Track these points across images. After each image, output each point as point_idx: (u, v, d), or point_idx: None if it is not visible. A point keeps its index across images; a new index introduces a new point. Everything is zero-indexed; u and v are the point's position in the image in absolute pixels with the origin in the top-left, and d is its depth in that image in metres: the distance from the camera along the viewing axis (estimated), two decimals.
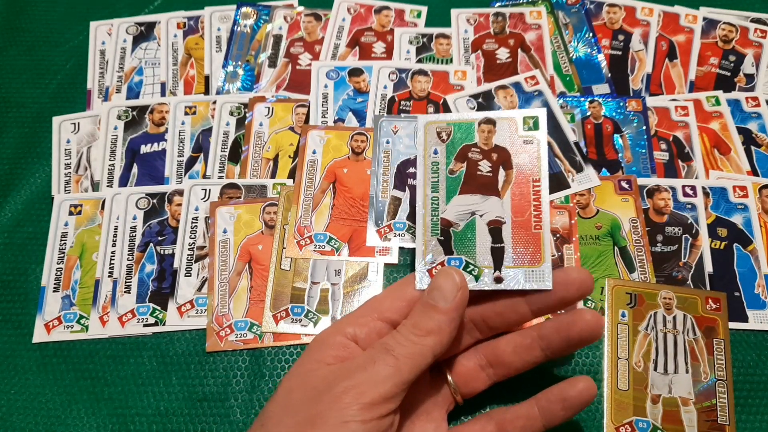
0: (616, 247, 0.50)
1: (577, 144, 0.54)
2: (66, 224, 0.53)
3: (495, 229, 0.41)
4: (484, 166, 0.43)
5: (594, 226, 0.51)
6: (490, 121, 0.43)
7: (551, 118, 0.56)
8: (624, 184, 0.53)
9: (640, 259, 0.50)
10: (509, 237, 0.41)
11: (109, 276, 0.51)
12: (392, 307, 0.38)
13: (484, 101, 0.57)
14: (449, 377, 0.39)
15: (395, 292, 0.39)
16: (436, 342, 0.35)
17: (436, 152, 0.43)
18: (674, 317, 0.45)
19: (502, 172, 0.42)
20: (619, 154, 0.55)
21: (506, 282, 0.40)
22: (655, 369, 0.44)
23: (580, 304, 0.47)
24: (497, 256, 0.41)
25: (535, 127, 0.43)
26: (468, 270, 0.41)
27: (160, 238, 0.52)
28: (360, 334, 0.36)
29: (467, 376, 0.39)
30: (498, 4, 0.63)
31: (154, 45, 0.62)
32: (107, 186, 0.55)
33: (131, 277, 0.51)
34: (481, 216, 0.42)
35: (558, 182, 0.53)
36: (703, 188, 0.53)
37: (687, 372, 0.44)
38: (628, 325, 0.45)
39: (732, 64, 0.59)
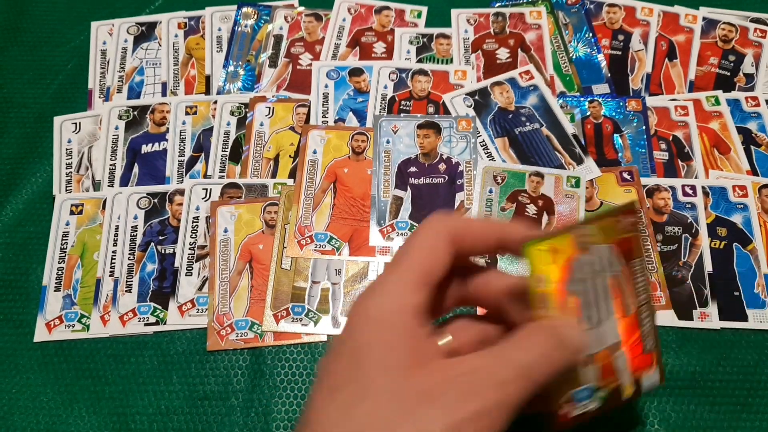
0: None
1: (575, 136, 0.54)
2: (67, 224, 0.53)
3: None
4: (531, 209, 0.51)
5: None
6: (539, 174, 0.52)
7: (549, 112, 0.56)
8: (626, 175, 0.53)
9: (645, 248, 0.50)
10: None
11: (110, 275, 0.51)
12: None
13: (481, 98, 0.57)
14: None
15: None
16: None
17: (491, 191, 0.51)
18: (593, 256, 0.35)
19: (545, 217, 0.51)
20: (619, 154, 0.55)
21: None
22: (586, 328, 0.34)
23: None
24: None
25: (577, 185, 0.51)
26: None
27: (161, 238, 0.52)
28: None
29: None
30: (498, 4, 0.63)
31: (155, 45, 0.62)
32: (108, 186, 0.55)
33: (132, 276, 0.51)
34: None
35: None
36: (703, 188, 0.53)
37: (612, 314, 0.35)
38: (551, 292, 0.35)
39: (732, 64, 0.59)
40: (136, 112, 0.58)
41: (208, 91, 0.59)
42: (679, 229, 0.51)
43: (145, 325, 0.49)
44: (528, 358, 0.29)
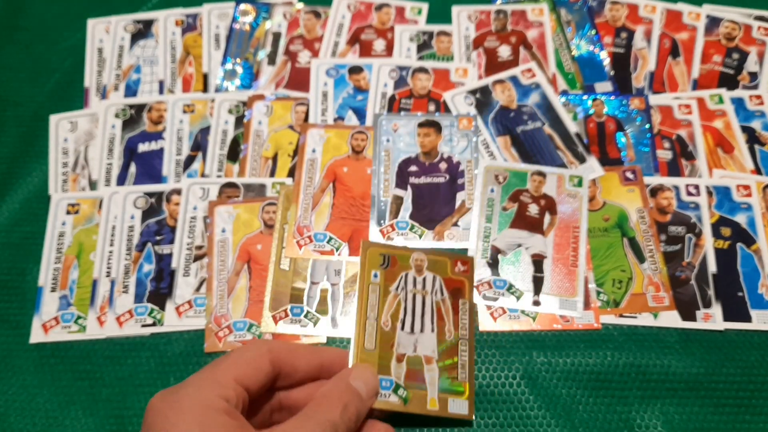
0: (625, 239, 0.50)
1: (578, 135, 0.54)
2: (63, 224, 0.52)
3: (537, 261, 0.49)
4: (533, 209, 0.51)
5: (602, 219, 0.51)
6: (541, 174, 0.52)
7: (551, 110, 0.55)
8: (629, 175, 0.52)
9: (649, 248, 0.49)
10: (549, 270, 0.48)
11: (106, 276, 0.50)
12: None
13: (482, 96, 0.56)
14: None
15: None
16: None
17: (492, 191, 0.51)
18: (424, 279, 0.46)
19: (548, 217, 0.51)
20: (622, 153, 0.54)
21: (543, 306, 0.47)
22: (402, 328, 0.44)
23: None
24: (537, 283, 0.48)
25: (579, 184, 0.51)
26: (510, 291, 0.48)
27: (158, 238, 0.52)
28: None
29: None
30: (499, 1, 0.62)
31: (152, 43, 0.61)
32: (105, 185, 0.54)
33: (129, 277, 0.50)
34: (526, 249, 0.50)
35: None
36: (707, 187, 0.52)
37: (432, 331, 0.44)
38: (379, 286, 0.45)
39: (735, 62, 0.59)
40: (133, 111, 0.57)
41: (205, 90, 0.59)
42: (682, 229, 0.51)
43: (143, 326, 0.48)
44: (331, 414, 0.33)
